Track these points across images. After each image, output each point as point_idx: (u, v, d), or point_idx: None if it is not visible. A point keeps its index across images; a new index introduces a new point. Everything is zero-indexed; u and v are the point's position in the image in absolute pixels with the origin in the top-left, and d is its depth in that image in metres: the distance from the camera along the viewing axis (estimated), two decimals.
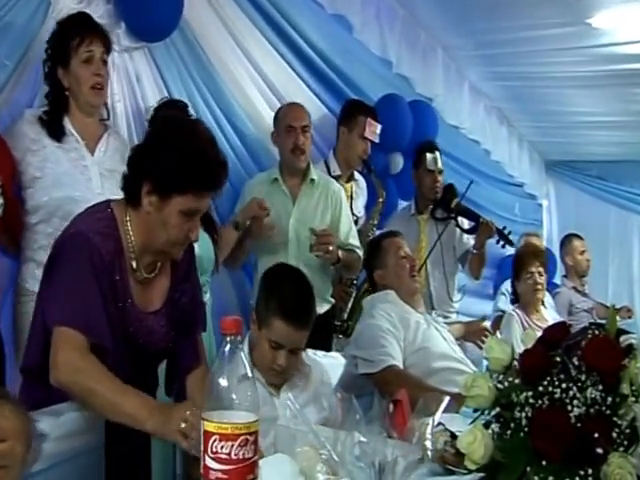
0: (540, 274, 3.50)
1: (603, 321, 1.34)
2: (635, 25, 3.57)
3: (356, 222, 3.24)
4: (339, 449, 0.96)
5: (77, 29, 2.13)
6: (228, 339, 1.00)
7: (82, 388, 1.38)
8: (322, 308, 2.85)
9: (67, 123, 2.15)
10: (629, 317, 4.62)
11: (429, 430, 1.06)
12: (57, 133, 2.11)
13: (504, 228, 3.58)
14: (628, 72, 4.18)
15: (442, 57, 4.33)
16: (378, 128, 3.19)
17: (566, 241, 4.90)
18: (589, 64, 4.21)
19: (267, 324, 1.74)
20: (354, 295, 3.13)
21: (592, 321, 1.32)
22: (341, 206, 2.95)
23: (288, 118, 2.87)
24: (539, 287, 3.48)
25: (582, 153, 6.33)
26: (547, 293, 4.01)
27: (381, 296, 2.53)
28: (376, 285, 2.60)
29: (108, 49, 2.20)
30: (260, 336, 1.76)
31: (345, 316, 3.16)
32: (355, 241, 2.99)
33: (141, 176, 1.52)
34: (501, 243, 3.60)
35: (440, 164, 3.48)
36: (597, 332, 1.26)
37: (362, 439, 0.94)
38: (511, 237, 3.65)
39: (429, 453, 1.03)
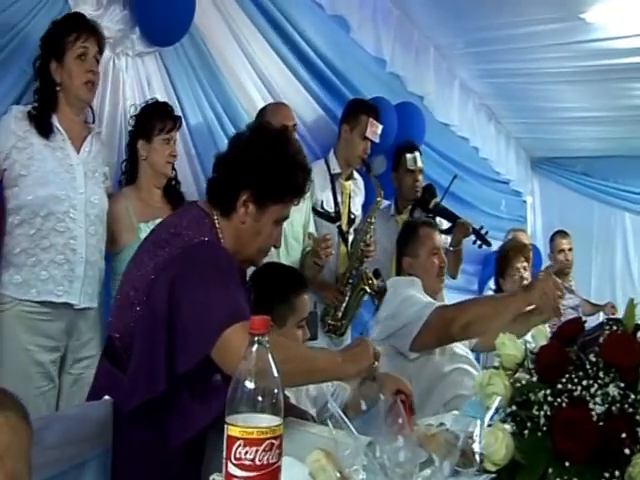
0: (525, 269, 3.52)
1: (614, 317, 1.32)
2: (629, 19, 3.57)
3: (354, 221, 3.24)
4: (378, 454, 0.93)
5: (73, 26, 2.13)
6: (256, 339, 0.96)
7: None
8: None
9: (55, 120, 2.13)
10: (612, 314, 4.66)
11: (477, 432, 1.03)
12: (45, 130, 2.09)
13: (481, 228, 3.60)
14: (620, 67, 4.19)
15: (434, 56, 4.36)
16: (379, 128, 3.20)
17: (551, 238, 4.95)
18: (580, 59, 4.22)
19: (293, 311, 1.87)
20: (349, 294, 3.12)
21: (609, 317, 1.32)
22: (309, 204, 3.01)
23: (280, 117, 2.86)
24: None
25: (567, 149, 6.36)
26: None
27: (407, 281, 2.49)
28: (401, 267, 2.56)
29: (101, 49, 2.21)
30: (283, 329, 1.86)
31: (340, 315, 3.14)
32: None
33: (239, 186, 1.54)
34: (478, 243, 3.62)
35: (420, 163, 3.50)
36: (615, 328, 1.25)
37: (407, 443, 0.91)
38: (497, 234, 3.67)
39: (477, 457, 0.99)
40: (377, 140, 3.23)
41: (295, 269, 2.07)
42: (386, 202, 3.73)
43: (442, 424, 1.41)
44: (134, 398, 1.43)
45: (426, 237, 2.54)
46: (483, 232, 3.58)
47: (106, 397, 1.50)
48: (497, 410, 1.21)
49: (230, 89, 3.01)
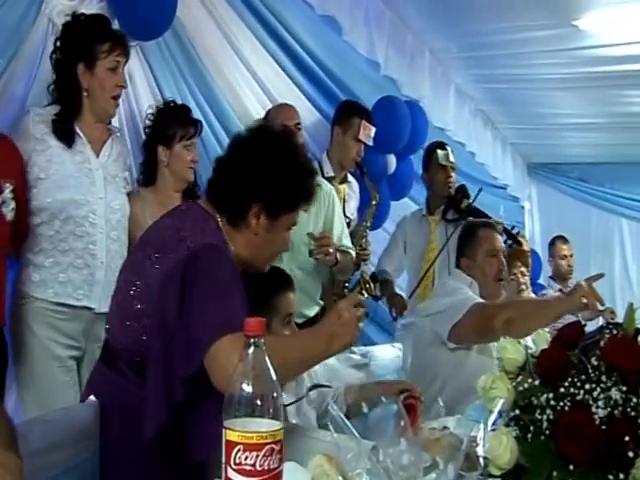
0: (523, 274, 3.51)
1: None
2: (622, 27, 3.60)
3: (348, 224, 3.23)
4: (381, 458, 0.92)
5: (107, 34, 2.12)
6: (252, 341, 0.94)
7: None
8: (312, 310, 2.86)
9: (75, 125, 2.12)
10: (612, 319, 4.65)
11: (480, 435, 1.01)
12: (69, 139, 2.08)
13: (512, 228, 3.58)
14: (613, 74, 4.21)
15: (429, 60, 4.35)
16: (372, 131, 3.18)
17: (551, 243, 4.95)
18: (574, 66, 4.24)
19: (275, 311, 1.87)
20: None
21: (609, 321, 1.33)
22: (334, 207, 2.92)
23: (281, 117, 2.85)
24: (523, 287, 3.49)
25: (564, 155, 6.39)
26: (533, 295, 4.03)
27: (467, 281, 2.46)
28: (459, 265, 2.55)
29: (127, 58, 2.20)
30: (269, 329, 1.81)
31: None
32: (348, 242, 2.98)
33: (250, 199, 1.50)
34: (509, 242, 3.59)
35: (452, 159, 3.46)
36: (615, 331, 1.25)
37: (411, 447, 0.90)
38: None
39: (481, 461, 0.98)
40: (370, 143, 3.21)
41: (276, 267, 1.98)
42: (410, 203, 3.77)
43: (445, 428, 1.39)
44: (159, 413, 1.40)
45: (485, 238, 2.50)
46: (514, 232, 3.54)
47: (92, 398, 1.48)
48: (500, 413, 1.20)
49: (217, 86, 2.98)
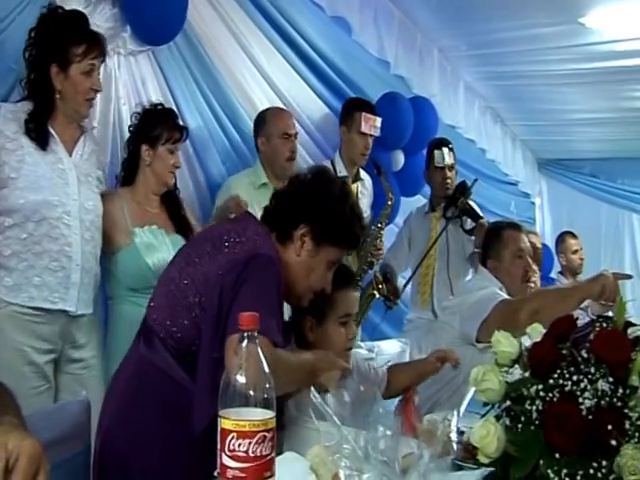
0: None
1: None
2: (628, 22, 3.62)
3: None
4: (362, 443, 0.96)
5: (83, 35, 2.08)
6: (245, 335, 0.99)
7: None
8: None
9: (48, 124, 2.08)
10: None
11: (454, 422, 1.05)
12: (42, 140, 2.04)
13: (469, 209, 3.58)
14: (620, 69, 4.23)
15: (438, 58, 4.38)
16: (377, 121, 3.19)
17: (560, 239, 4.94)
18: (582, 62, 4.26)
19: (331, 305, 1.79)
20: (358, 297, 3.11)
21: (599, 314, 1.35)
22: None
23: (283, 125, 2.86)
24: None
25: (574, 151, 6.37)
26: None
27: (497, 285, 2.45)
28: (486, 266, 2.55)
29: (104, 59, 2.17)
30: (324, 327, 1.81)
31: None
32: None
33: (300, 217, 1.60)
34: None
35: (449, 159, 3.46)
36: (605, 324, 1.27)
37: (388, 432, 0.94)
38: None
39: (454, 446, 1.02)
40: (377, 133, 3.22)
41: (343, 265, 1.97)
42: (424, 200, 3.78)
43: (446, 419, 1.43)
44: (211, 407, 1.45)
45: (509, 239, 2.49)
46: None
47: (83, 393, 1.51)
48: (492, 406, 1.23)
49: (229, 89, 3.00)
